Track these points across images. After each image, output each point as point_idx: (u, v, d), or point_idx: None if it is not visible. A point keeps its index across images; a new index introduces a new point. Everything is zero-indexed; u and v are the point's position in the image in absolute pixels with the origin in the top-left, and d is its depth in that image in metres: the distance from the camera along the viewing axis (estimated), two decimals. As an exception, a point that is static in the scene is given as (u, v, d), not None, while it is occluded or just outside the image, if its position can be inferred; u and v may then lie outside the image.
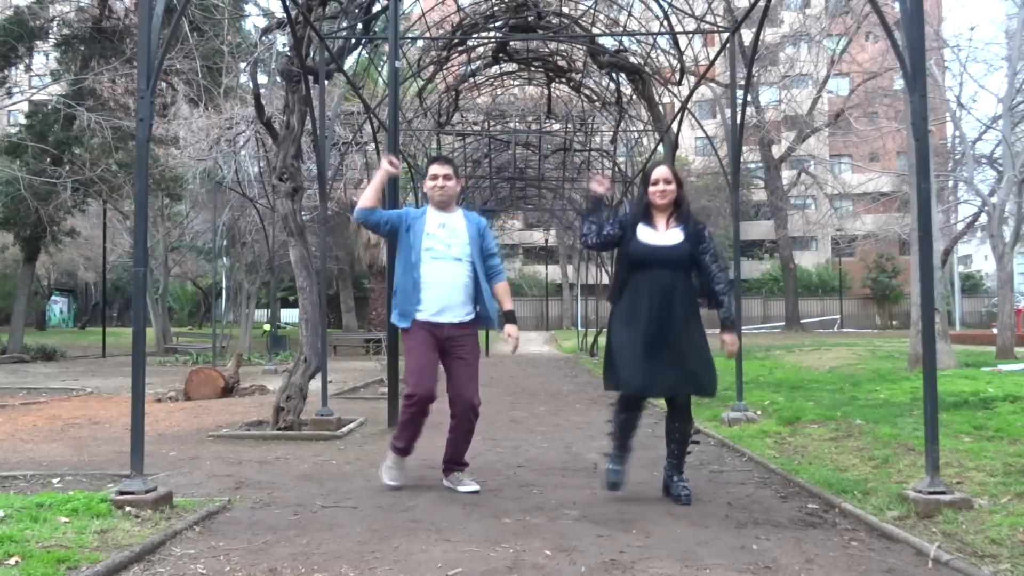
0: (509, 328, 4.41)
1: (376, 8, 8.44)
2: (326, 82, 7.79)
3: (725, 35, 8.29)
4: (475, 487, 4.44)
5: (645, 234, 4.16)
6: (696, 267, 4.15)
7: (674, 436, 4.22)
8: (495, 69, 12.46)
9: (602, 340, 18.61)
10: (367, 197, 4.44)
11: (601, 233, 4.27)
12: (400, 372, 7.18)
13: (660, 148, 11.95)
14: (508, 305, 4.54)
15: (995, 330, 15.15)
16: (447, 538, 3.47)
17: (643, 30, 10.69)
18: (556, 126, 15.24)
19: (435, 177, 4.47)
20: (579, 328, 31.65)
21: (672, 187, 4.19)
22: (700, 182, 34.12)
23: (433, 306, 4.31)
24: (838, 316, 37.63)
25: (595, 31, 10.36)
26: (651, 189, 4.21)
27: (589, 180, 4.41)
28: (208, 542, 3.41)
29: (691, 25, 10.70)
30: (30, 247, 20.26)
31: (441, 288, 4.32)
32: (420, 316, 4.31)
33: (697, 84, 9.54)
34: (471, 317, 4.41)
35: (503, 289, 4.55)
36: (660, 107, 10.70)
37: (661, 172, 4.24)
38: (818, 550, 3.30)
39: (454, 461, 4.56)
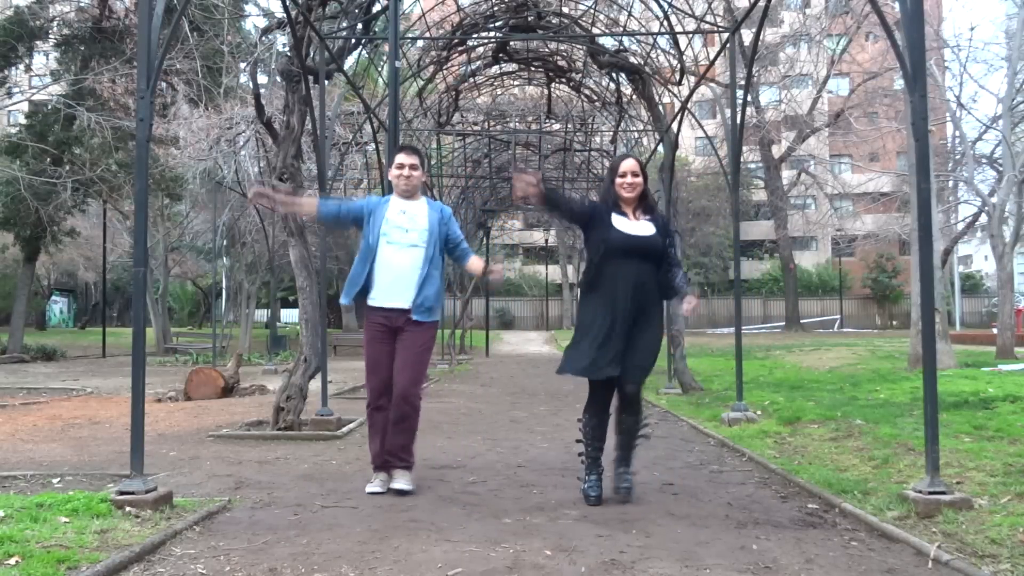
0: (493, 266, 4.52)
1: (376, 8, 8.44)
2: (326, 82, 7.79)
3: (725, 35, 8.29)
4: (407, 486, 4.31)
5: (620, 223, 4.17)
6: (663, 259, 4.19)
7: (623, 427, 4.25)
8: (495, 69, 12.46)
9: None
10: (305, 206, 4.57)
11: (571, 205, 4.36)
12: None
13: (660, 148, 11.95)
14: (480, 260, 4.63)
15: (995, 330, 15.15)
16: (447, 538, 3.47)
17: (643, 30, 10.69)
18: (556, 126, 15.24)
19: (401, 166, 4.42)
20: (579, 328, 31.56)
21: (639, 179, 4.22)
22: (700, 182, 34.13)
23: (383, 290, 4.33)
24: (838, 316, 37.62)
25: (595, 31, 10.36)
26: (618, 181, 4.23)
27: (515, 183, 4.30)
28: (208, 542, 3.41)
29: (691, 25, 10.69)
30: (30, 247, 20.26)
31: (392, 272, 4.32)
32: (371, 302, 4.34)
33: (697, 84, 9.54)
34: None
35: (475, 259, 4.62)
36: (660, 107, 10.70)
37: (628, 164, 4.25)
38: (818, 550, 3.30)
39: (391, 453, 4.38)
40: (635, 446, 4.33)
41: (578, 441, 4.35)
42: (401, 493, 4.30)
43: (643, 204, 4.26)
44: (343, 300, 4.43)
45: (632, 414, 4.23)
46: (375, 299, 4.34)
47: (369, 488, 4.37)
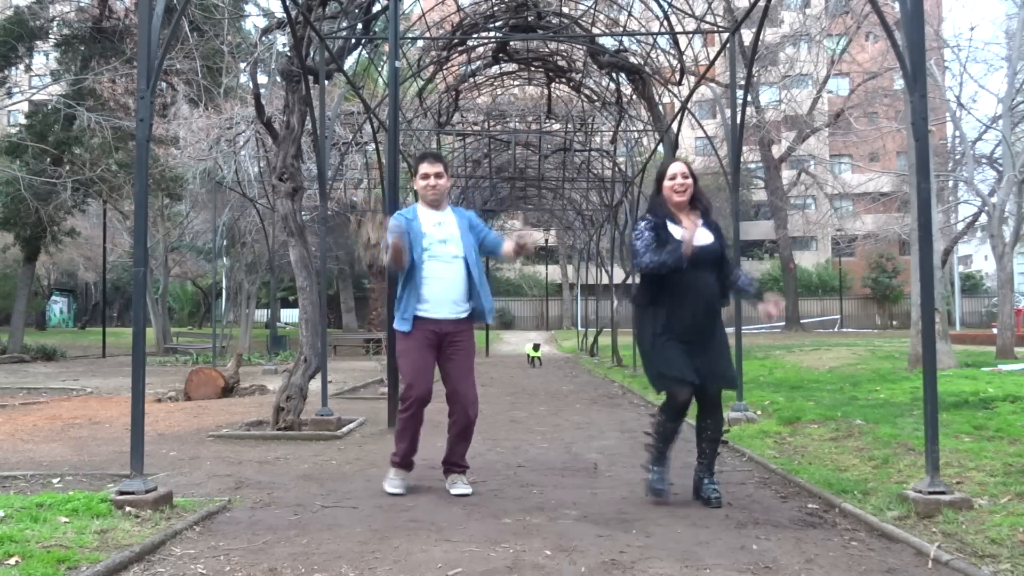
0: (520, 242, 4.30)
1: (376, 8, 8.44)
2: (326, 82, 7.79)
3: (725, 35, 8.29)
4: (467, 490, 4.40)
5: (678, 233, 4.05)
6: (723, 265, 4.16)
7: (705, 434, 4.17)
8: (495, 69, 12.45)
9: (604, 340, 18.64)
10: (399, 263, 4.22)
11: (654, 253, 4.05)
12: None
13: (660, 148, 11.95)
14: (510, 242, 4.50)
15: (995, 330, 15.15)
16: (447, 538, 3.47)
17: (643, 30, 10.69)
18: (556, 126, 15.23)
19: (427, 176, 4.41)
20: (579, 328, 31.64)
21: (689, 181, 4.15)
22: (700, 182, 34.08)
23: (434, 302, 4.31)
24: (838, 316, 37.63)
25: (595, 31, 10.36)
26: (667, 183, 4.14)
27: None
28: (208, 542, 3.41)
29: (691, 25, 10.70)
30: (30, 247, 20.26)
31: (440, 284, 4.30)
32: (421, 313, 4.30)
33: (697, 84, 9.53)
34: (467, 313, 4.41)
35: (508, 243, 4.47)
36: (660, 107, 10.70)
37: (678, 167, 4.19)
38: (818, 550, 3.30)
39: (451, 462, 4.52)
40: (718, 453, 4.29)
41: (647, 433, 4.30)
42: (462, 496, 4.31)
43: (696, 208, 4.18)
44: (403, 328, 4.31)
45: (715, 419, 4.17)
46: (427, 311, 4.30)
47: (391, 488, 4.34)
